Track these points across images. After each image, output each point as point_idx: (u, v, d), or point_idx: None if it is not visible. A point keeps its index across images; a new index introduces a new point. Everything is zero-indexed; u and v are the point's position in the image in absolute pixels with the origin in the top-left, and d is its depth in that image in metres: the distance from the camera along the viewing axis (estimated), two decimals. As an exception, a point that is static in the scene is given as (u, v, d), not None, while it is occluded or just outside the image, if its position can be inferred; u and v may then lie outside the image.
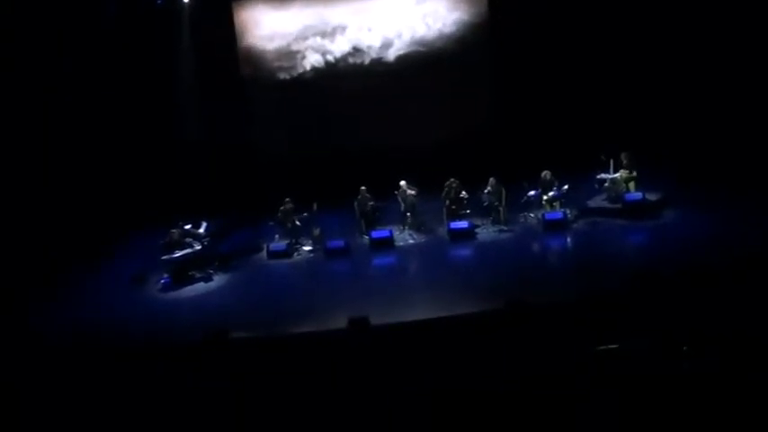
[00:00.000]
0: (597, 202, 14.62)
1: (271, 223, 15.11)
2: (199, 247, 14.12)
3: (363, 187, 15.11)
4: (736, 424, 5.80)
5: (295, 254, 14.77)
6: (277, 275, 14.09)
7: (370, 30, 18.23)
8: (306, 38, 18.23)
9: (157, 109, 17.58)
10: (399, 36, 18.17)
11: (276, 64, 18.31)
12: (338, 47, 18.28)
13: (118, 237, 16.40)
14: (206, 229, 14.53)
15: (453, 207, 14.71)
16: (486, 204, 14.60)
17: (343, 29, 18.24)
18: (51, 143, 16.25)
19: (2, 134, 15.54)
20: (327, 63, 18.30)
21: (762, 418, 5.77)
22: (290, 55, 18.28)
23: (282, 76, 18.37)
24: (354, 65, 18.27)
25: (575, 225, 14.11)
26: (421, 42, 18.10)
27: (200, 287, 13.67)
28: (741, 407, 5.86)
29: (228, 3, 18.08)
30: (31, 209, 15.47)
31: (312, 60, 18.28)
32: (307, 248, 14.87)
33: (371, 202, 15.10)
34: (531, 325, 8.14)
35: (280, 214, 14.94)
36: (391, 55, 18.21)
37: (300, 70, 18.34)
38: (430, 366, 7.31)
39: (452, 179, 14.82)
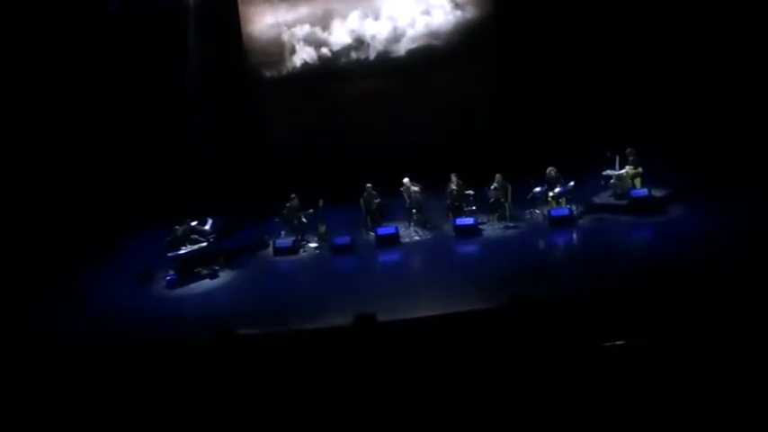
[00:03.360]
0: (603, 198, 14.62)
1: (277, 220, 15.13)
2: (205, 244, 14.14)
3: (369, 184, 15.11)
4: (737, 421, 5.79)
5: (301, 250, 14.78)
6: (283, 272, 14.12)
7: (376, 18, 17.78)
8: (305, 26, 17.83)
9: (163, 105, 17.54)
10: (412, 25, 17.70)
11: (276, 59, 18.11)
12: (337, 38, 17.85)
13: (123, 234, 16.41)
14: (212, 226, 14.57)
15: (456, 204, 14.70)
16: (492, 200, 14.59)
17: (344, 16, 17.79)
18: (57, 139, 16.30)
19: (9, 127, 15.60)
20: (326, 57, 17.97)
21: (763, 417, 5.77)
22: (288, 49, 18.03)
23: (277, 72, 18.11)
24: (358, 60, 18.03)
25: (580, 221, 14.10)
26: (436, 34, 17.65)
27: (206, 284, 13.72)
28: (742, 405, 5.85)
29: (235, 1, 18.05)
30: (38, 205, 15.51)
31: (308, 55, 17.91)
32: (312, 245, 14.87)
33: (377, 199, 15.10)
34: (536, 321, 8.13)
35: (286, 211, 14.96)
36: (402, 49, 17.82)
37: (300, 64, 18.06)
38: (436, 363, 7.30)
39: (454, 175, 14.77)
